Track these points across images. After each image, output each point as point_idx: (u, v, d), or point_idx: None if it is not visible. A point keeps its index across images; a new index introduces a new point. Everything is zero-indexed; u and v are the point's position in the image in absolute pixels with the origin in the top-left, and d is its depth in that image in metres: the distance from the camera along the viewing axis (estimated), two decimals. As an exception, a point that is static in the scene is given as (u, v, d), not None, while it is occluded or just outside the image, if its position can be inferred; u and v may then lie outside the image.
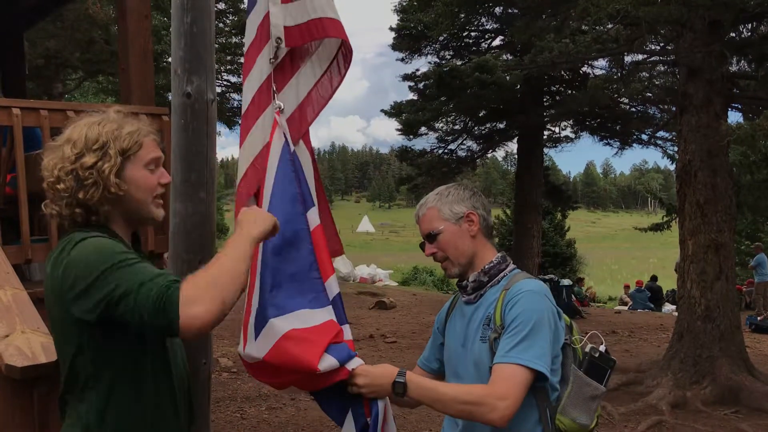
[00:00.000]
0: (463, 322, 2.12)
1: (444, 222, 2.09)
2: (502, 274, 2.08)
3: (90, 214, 1.74)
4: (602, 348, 2.04)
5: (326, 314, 2.00)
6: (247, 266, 1.68)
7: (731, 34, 7.98)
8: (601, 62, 12.68)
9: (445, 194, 2.12)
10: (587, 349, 2.04)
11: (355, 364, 1.99)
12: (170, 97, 2.65)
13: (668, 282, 20.28)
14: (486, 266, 2.08)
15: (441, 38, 15.32)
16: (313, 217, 2.11)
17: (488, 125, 16.48)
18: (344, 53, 2.33)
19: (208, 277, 1.58)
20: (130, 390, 1.70)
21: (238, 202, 2.23)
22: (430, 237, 2.10)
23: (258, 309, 1.95)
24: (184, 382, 1.89)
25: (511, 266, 2.12)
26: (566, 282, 15.34)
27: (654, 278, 20.33)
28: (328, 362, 1.92)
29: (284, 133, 2.12)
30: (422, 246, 2.15)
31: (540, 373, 1.86)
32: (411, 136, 15.93)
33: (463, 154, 16.40)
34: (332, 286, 2.06)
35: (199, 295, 1.53)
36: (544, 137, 16.21)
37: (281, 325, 1.90)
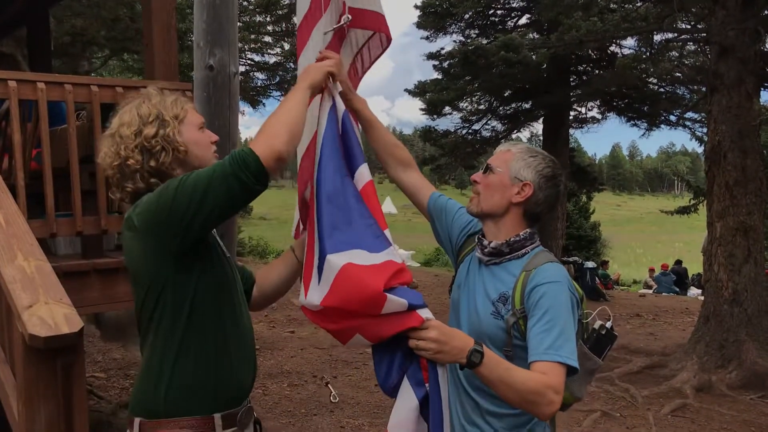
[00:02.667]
0: (472, 276, 2.12)
1: (506, 169, 2.06)
2: (524, 250, 2.04)
3: (165, 180, 1.83)
4: (608, 324, 2.06)
5: (387, 255, 1.89)
6: (305, 111, 1.86)
7: (766, 12, 7.77)
8: (630, 41, 12.46)
9: (531, 155, 2.07)
10: (596, 326, 2.06)
11: (427, 314, 1.82)
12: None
13: (694, 266, 20.02)
14: (512, 239, 2.04)
15: (466, 16, 15.16)
16: (365, 172, 2.07)
17: (513, 105, 16.30)
18: (380, 43, 2.42)
19: (270, 121, 1.78)
20: (199, 336, 1.82)
21: (301, 177, 2.19)
22: (487, 168, 2.09)
23: (319, 251, 1.90)
24: (250, 335, 2.00)
25: (536, 243, 2.08)
26: (590, 264, 15.20)
27: (679, 262, 20.09)
28: (395, 300, 1.77)
29: (332, 96, 2.10)
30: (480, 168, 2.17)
31: (572, 368, 1.87)
32: (435, 116, 15.81)
33: (488, 135, 16.24)
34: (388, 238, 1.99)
35: (265, 134, 1.74)
36: (570, 118, 15.99)
37: (337, 261, 1.82)
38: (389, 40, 2.42)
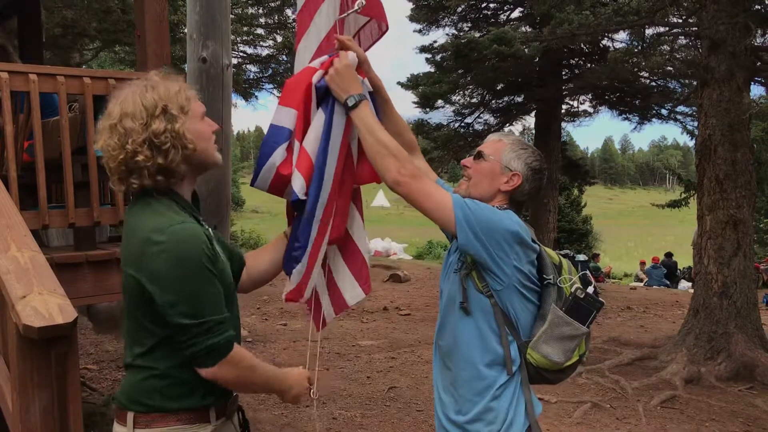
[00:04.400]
0: (451, 254, 2.27)
1: (497, 157, 2.17)
2: None
3: (169, 177, 1.79)
4: (590, 290, 2.08)
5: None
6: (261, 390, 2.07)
7: (756, 6, 7.80)
8: (622, 35, 12.46)
9: (521, 147, 2.19)
10: (572, 289, 2.10)
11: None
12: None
13: (684, 259, 20.11)
14: None
15: (459, 9, 15.10)
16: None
17: (506, 99, 16.30)
18: (371, 34, 2.50)
19: (251, 370, 1.86)
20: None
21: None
22: (478, 155, 2.21)
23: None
24: (237, 326, 2.00)
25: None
26: (582, 257, 15.27)
27: (669, 255, 20.18)
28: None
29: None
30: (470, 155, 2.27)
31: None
32: (427, 109, 15.78)
33: (480, 128, 16.22)
34: None
35: (237, 369, 1.80)
36: (562, 111, 16.00)
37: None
38: (386, 28, 2.45)
